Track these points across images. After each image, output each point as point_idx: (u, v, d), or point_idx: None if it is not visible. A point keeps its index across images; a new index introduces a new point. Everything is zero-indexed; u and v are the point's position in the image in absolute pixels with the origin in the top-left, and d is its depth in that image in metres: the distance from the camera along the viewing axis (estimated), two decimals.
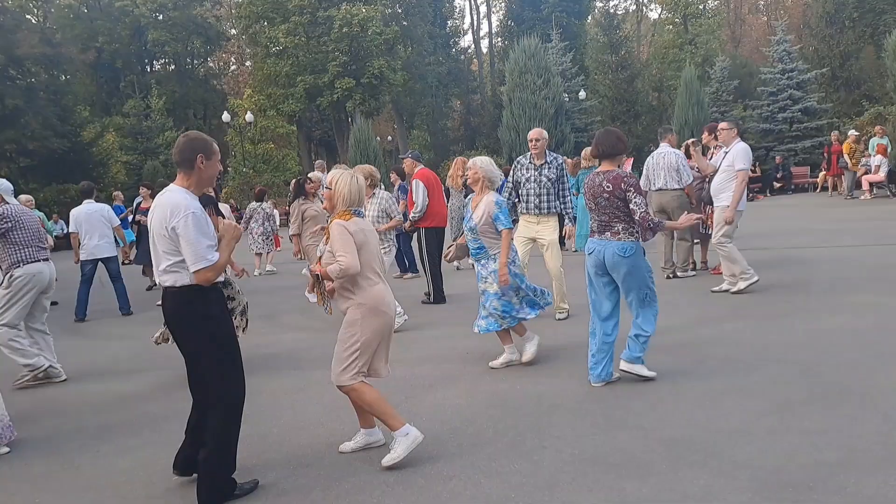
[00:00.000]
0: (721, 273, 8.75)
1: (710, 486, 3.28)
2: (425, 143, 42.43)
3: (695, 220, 4.97)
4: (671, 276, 8.86)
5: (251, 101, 38.82)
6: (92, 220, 9.42)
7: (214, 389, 3.49)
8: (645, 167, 8.81)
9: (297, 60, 32.76)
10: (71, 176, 27.48)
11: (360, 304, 3.78)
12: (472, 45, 45.43)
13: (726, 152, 7.62)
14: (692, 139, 8.28)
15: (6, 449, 4.47)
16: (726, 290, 7.65)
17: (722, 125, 7.84)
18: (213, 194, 6.87)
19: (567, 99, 26.97)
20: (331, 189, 3.87)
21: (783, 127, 24.88)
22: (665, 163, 8.60)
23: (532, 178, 6.84)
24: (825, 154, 20.00)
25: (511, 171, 7.15)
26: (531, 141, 6.82)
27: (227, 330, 3.55)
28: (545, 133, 6.94)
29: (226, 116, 34.80)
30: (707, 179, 8.31)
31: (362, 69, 32.00)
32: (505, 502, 3.33)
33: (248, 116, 34.50)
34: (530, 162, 6.91)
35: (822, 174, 21.25)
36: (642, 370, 4.89)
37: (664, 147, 8.77)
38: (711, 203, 7.97)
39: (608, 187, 4.68)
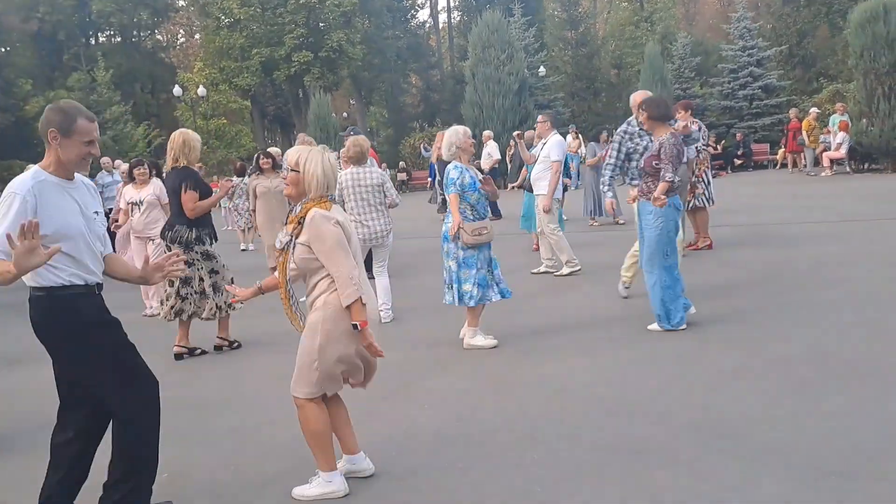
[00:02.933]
0: (698, 248, 8.88)
1: (745, 474, 3.13)
2: (383, 119, 41.78)
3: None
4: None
5: (202, 74, 37.56)
6: None
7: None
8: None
9: (252, 32, 31.71)
10: (14, 152, 26.15)
11: (325, 303, 3.09)
12: (430, 20, 44.80)
13: (543, 143, 8.08)
14: (517, 131, 8.42)
15: None
16: (546, 273, 8.26)
17: (539, 118, 8.39)
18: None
19: (528, 75, 26.72)
20: (298, 171, 3.08)
21: (743, 104, 25.15)
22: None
23: (649, 144, 6.01)
24: (784, 131, 20.27)
25: (617, 142, 6.62)
26: (639, 106, 5.90)
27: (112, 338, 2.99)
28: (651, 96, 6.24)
29: (177, 90, 33.61)
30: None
31: (320, 42, 31.16)
32: (529, 496, 3.12)
33: (201, 90, 33.39)
34: (640, 129, 6.18)
35: (781, 151, 21.57)
36: None
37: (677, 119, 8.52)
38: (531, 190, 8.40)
39: (683, 149, 5.42)
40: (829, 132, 18.01)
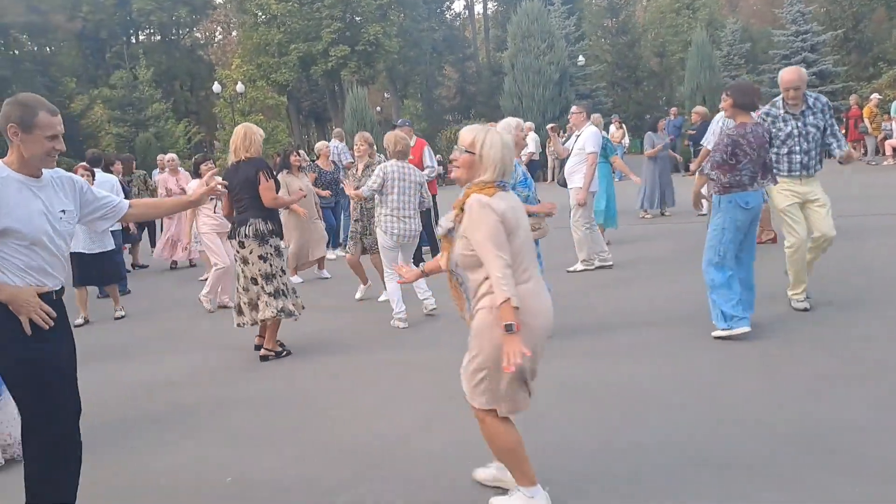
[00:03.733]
0: (762, 242, 8.43)
1: (869, 495, 2.77)
2: (417, 112, 41.52)
3: None
4: None
5: (239, 71, 37.79)
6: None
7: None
8: (718, 125, 8.03)
9: (290, 28, 31.69)
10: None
11: (492, 306, 2.68)
12: (466, 11, 44.34)
13: (577, 135, 7.85)
14: (551, 124, 7.93)
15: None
16: (601, 267, 7.96)
17: (573, 109, 8.15)
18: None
19: (569, 64, 26.17)
20: (472, 152, 2.75)
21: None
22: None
23: (794, 130, 5.40)
24: (843, 119, 19.44)
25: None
26: (788, 86, 5.28)
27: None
28: (804, 73, 5.54)
29: (216, 87, 33.87)
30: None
31: (357, 36, 31.01)
32: None
33: (239, 87, 33.56)
34: (786, 112, 5.42)
35: None
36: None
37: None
38: (564, 185, 8.11)
39: (767, 137, 4.95)
40: (890, 119, 17.17)
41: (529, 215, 4.99)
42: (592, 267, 7.97)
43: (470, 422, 3.88)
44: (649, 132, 12.15)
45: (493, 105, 29.07)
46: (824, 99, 5.49)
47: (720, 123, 8.02)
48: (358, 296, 7.41)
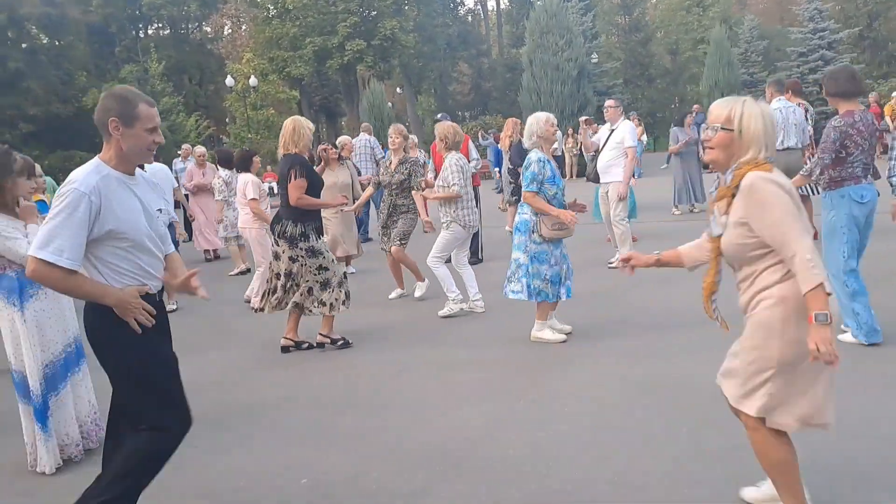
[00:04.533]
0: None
1: None
2: (431, 108, 41.41)
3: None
4: None
5: (251, 65, 37.67)
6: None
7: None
8: None
9: (305, 22, 31.61)
10: (75, 143, 26.58)
11: (781, 298, 2.40)
12: (478, 7, 44.20)
13: (612, 129, 7.85)
14: (585, 117, 7.83)
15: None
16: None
17: (609, 103, 8.11)
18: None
19: (587, 61, 26.05)
20: (730, 129, 2.42)
21: (813, 89, 24.08)
22: (795, 119, 7.90)
23: None
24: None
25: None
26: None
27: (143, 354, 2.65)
28: None
29: (229, 81, 33.77)
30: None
31: (373, 30, 30.94)
32: None
33: (252, 81, 33.47)
34: None
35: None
36: None
37: (784, 101, 8.01)
38: (597, 180, 8.09)
39: (878, 124, 4.79)
40: None
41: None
42: None
43: (542, 422, 3.91)
44: (675, 128, 12.07)
45: (509, 101, 29.00)
46: None
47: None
48: (393, 295, 7.32)
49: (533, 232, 5.11)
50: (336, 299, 5.33)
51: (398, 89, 39.16)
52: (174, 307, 7.47)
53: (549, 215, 5.09)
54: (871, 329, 4.56)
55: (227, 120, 40.23)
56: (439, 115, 9.24)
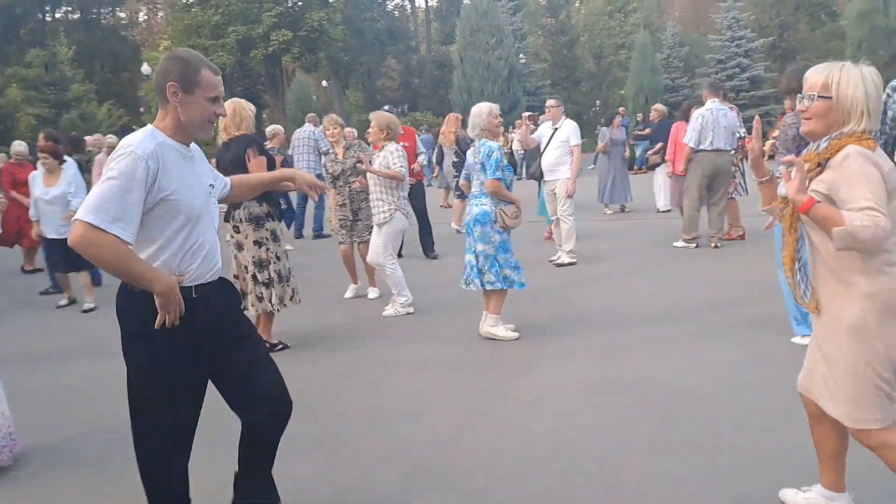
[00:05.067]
0: (731, 238, 8.66)
1: None
2: (358, 103, 40.86)
3: None
4: (718, 245, 8.43)
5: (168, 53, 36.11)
6: None
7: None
8: (698, 122, 8.15)
9: (228, 10, 30.52)
10: None
11: (871, 295, 2.17)
12: (407, 3, 43.88)
13: (556, 128, 7.88)
14: (528, 113, 8.01)
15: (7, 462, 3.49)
16: (561, 262, 7.94)
17: (550, 102, 8.14)
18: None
19: (517, 61, 26.33)
20: (828, 97, 2.16)
21: (730, 95, 25.13)
22: (726, 122, 8.10)
23: None
24: (780, 121, 20.23)
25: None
26: None
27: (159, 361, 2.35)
28: None
29: (145, 69, 32.26)
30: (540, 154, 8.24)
31: (299, 21, 30.20)
32: None
33: None
34: None
35: (769, 143, 21.56)
36: None
37: (718, 103, 8.20)
38: (541, 178, 8.17)
39: None
40: None
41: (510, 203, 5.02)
42: (576, 261, 7.98)
43: (511, 424, 3.79)
44: (604, 128, 12.30)
45: (439, 99, 28.92)
46: None
47: (699, 120, 8.16)
48: (348, 295, 6.97)
49: (495, 222, 5.07)
50: (285, 294, 5.08)
51: (324, 82, 38.44)
52: (91, 306, 6.98)
53: (509, 205, 5.08)
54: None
55: (141, 110, 38.49)
56: (387, 107, 8.97)
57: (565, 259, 7.94)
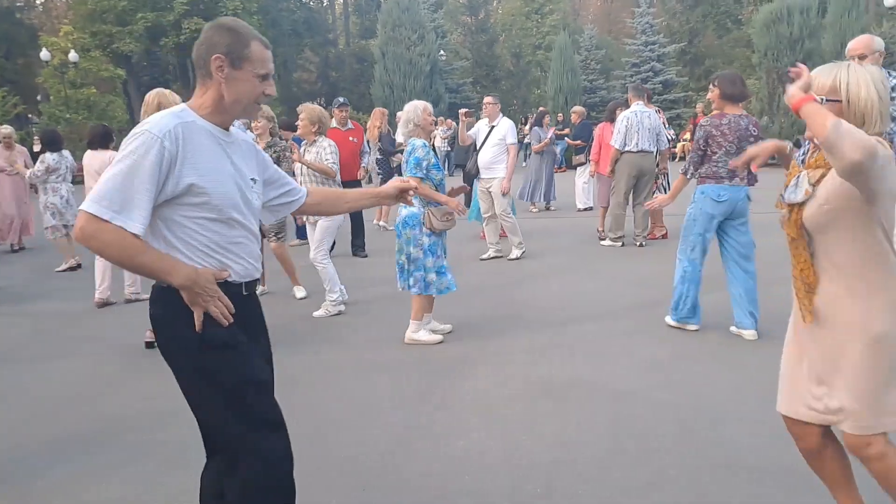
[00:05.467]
0: (654, 237, 8.87)
1: None
2: (272, 95, 39.59)
3: None
4: (642, 243, 8.60)
5: (69, 39, 34.00)
6: None
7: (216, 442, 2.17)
8: (623, 124, 8.26)
9: None
10: None
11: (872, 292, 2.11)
12: None
13: (493, 126, 7.88)
14: (464, 109, 8.09)
15: None
16: (495, 258, 8.03)
17: (487, 99, 8.14)
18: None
19: (439, 58, 26.22)
20: (837, 100, 2.08)
21: (620, 99, 25.78)
22: (650, 123, 8.24)
23: None
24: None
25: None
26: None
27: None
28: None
29: (45, 55, 30.28)
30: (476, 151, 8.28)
31: (213, 9, 28.96)
32: None
33: (72, 56, 30.23)
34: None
35: (680, 144, 22.38)
36: None
37: (642, 106, 8.34)
38: (477, 175, 8.10)
39: (754, 131, 4.76)
40: None
41: (440, 204, 4.85)
42: (501, 255, 8.08)
43: (454, 430, 3.62)
44: (536, 127, 12.36)
45: (359, 93, 28.45)
46: None
47: (624, 122, 8.28)
48: (301, 295, 6.57)
49: (423, 225, 4.89)
50: None
51: None
52: None
53: (439, 206, 4.89)
54: (685, 315, 5.00)
55: (38, 98, 36.11)
56: (341, 100, 8.52)
57: (516, 252, 8.01)
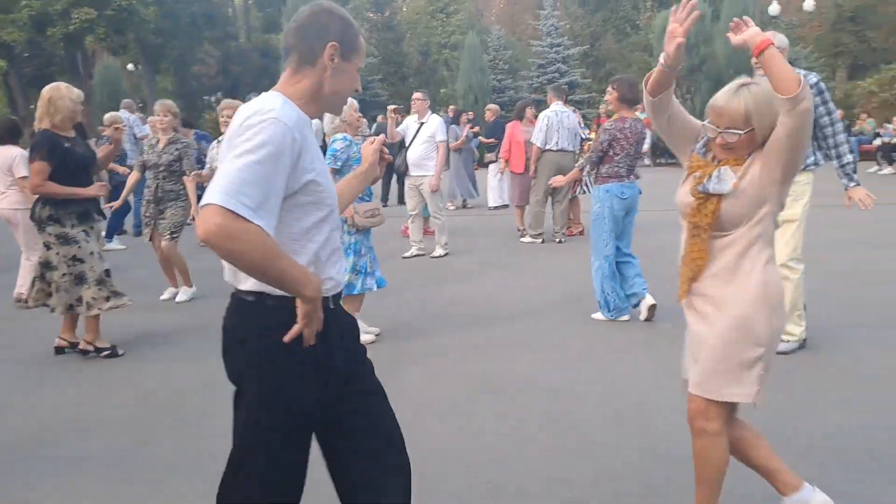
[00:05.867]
0: (572, 234, 9.11)
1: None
2: (170, 89, 37.98)
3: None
4: (561, 240, 8.78)
5: None
6: None
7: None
8: (543, 123, 8.39)
9: None
10: None
11: (765, 282, 2.28)
12: None
13: (422, 123, 7.85)
14: (393, 105, 8.13)
15: None
16: (417, 256, 8.03)
17: (416, 95, 8.08)
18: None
19: None
20: (752, 129, 2.22)
21: (529, 98, 26.40)
22: (569, 123, 8.41)
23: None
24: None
25: None
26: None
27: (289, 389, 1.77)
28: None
29: None
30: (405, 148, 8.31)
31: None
32: None
33: None
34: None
35: (587, 143, 23.10)
36: None
37: (562, 106, 8.51)
38: (406, 172, 8.05)
39: (645, 133, 5.19)
40: None
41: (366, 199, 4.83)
42: (423, 253, 8.08)
43: (404, 431, 3.42)
44: (453, 125, 12.42)
45: (263, 88, 27.46)
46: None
47: (545, 121, 8.43)
48: (165, 296, 6.47)
49: (345, 223, 4.77)
50: (94, 298, 4.58)
51: (130, 66, 35.32)
52: None
53: (362, 202, 4.82)
54: (617, 307, 5.25)
55: None
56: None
57: (439, 251, 8.01)
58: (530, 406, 3.77)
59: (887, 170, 15.57)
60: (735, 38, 2.18)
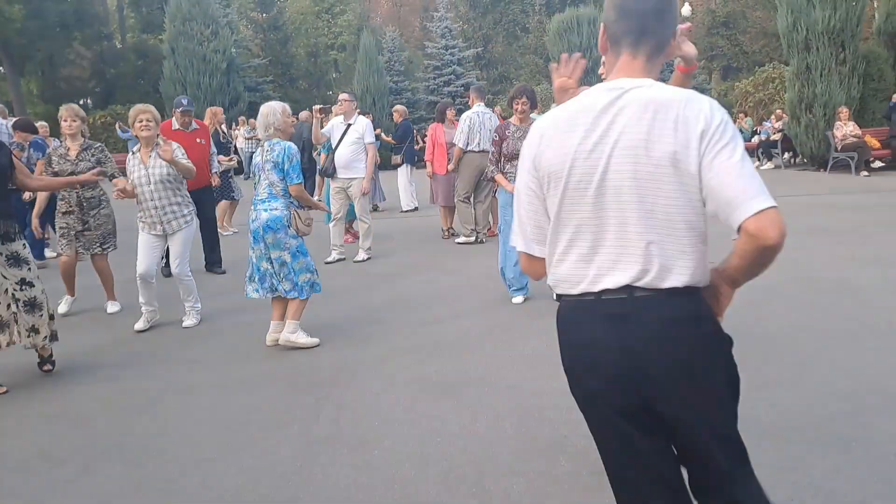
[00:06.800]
0: (495, 234, 9.17)
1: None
2: (36, 93, 35.13)
3: None
4: (482, 240, 8.74)
5: None
6: None
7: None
8: (465, 124, 8.32)
9: None
10: None
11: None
12: None
13: (349, 124, 7.64)
14: (318, 105, 8.05)
15: None
16: (339, 260, 7.87)
17: (343, 96, 7.96)
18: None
19: (236, 55, 24.84)
20: None
21: (448, 100, 26.65)
22: (490, 124, 8.40)
23: None
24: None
25: None
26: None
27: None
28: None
29: None
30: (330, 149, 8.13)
31: None
32: None
33: None
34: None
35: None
36: None
37: (482, 107, 8.49)
38: (332, 175, 7.77)
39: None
40: None
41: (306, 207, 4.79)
42: (344, 258, 7.90)
43: (358, 442, 3.32)
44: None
45: (143, 91, 26.15)
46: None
47: (467, 122, 8.41)
48: (63, 310, 5.98)
49: (289, 227, 4.70)
50: (52, 329, 4.22)
51: None
52: None
53: (303, 209, 4.79)
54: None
55: None
56: (185, 101, 7.44)
57: (362, 255, 7.85)
58: (494, 404, 3.70)
59: (767, 165, 16.71)
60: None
